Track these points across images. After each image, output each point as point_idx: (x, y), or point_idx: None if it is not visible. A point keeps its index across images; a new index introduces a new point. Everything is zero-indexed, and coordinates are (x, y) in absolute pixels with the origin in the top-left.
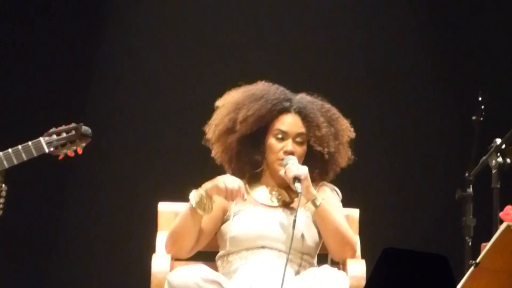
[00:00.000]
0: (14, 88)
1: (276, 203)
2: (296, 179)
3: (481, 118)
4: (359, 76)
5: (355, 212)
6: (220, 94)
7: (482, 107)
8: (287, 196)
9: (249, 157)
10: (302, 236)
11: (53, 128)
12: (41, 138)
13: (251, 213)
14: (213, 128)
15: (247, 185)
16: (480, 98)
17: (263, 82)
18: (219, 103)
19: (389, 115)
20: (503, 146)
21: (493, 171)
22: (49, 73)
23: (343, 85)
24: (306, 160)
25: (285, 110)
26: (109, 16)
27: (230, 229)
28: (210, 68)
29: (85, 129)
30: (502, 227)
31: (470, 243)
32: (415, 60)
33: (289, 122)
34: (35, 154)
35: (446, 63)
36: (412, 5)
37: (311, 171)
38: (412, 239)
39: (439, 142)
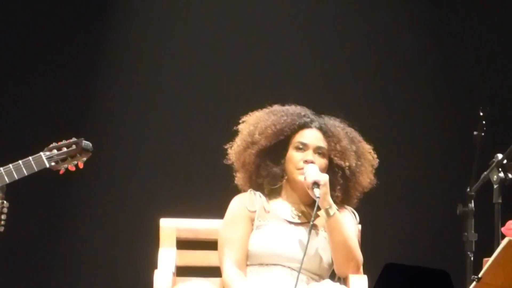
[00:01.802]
0: (14, 103)
1: (297, 220)
2: (316, 184)
3: (483, 133)
4: (360, 90)
5: (358, 227)
6: (224, 112)
7: (484, 122)
8: (308, 213)
9: (268, 171)
10: (317, 257)
11: (54, 143)
12: (41, 153)
13: (271, 229)
14: (234, 147)
15: (267, 198)
16: (481, 113)
17: (287, 105)
18: (240, 125)
19: (390, 130)
20: (505, 161)
21: (495, 186)
22: (49, 88)
23: (345, 98)
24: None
25: (306, 125)
26: (116, 23)
27: (249, 242)
28: (212, 86)
29: (86, 143)
30: (503, 242)
31: (472, 258)
32: (416, 75)
33: (310, 136)
34: (35, 169)
35: (447, 78)
36: (415, 19)
37: (332, 189)
38: (414, 254)
39: (441, 157)
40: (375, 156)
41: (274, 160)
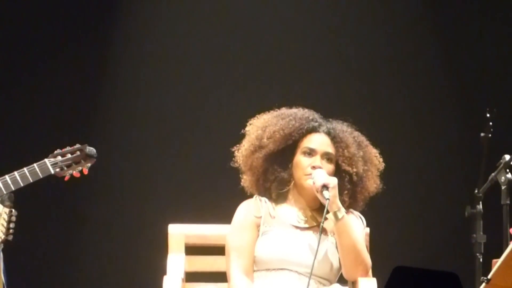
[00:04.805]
0: (18, 110)
1: (303, 224)
2: (325, 187)
3: (490, 135)
4: (367, 92)
5: (366, 231)
6: (232, 118)
7: (491, 123)
8: (315, 218)
9: (276, 175)
10: (325, 261)
11: (58, 150)
12: (46, 160)
13: (277, 234)
14: (241, 150)
15: (273, 204)
16: (488, 115)
17: (294, 107)
18: (248, 127)
19: (397, 132)
20: None
21: (503, 188)
22: (54, 94)
23: (351, 101)
24: None
25: (314, 130)
26: (123, 26)
27: (255, 249)
28: (220, 92)
29: (90, 149)
30: None
31: (480, 260)
32: (423, 77)
33: (318, 141)
34: (40, 176)
35: (454, 80)
36: (423, 22)
37: (339, 194)
38: (422, 257)
39: (448, 159)
40: (381, 160)
41: (282, 164)
